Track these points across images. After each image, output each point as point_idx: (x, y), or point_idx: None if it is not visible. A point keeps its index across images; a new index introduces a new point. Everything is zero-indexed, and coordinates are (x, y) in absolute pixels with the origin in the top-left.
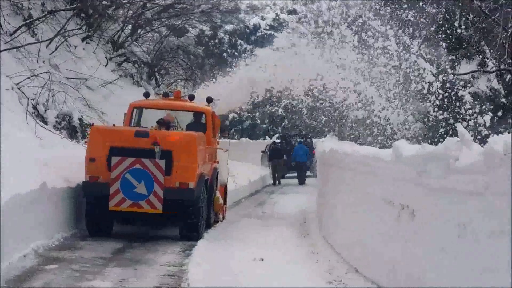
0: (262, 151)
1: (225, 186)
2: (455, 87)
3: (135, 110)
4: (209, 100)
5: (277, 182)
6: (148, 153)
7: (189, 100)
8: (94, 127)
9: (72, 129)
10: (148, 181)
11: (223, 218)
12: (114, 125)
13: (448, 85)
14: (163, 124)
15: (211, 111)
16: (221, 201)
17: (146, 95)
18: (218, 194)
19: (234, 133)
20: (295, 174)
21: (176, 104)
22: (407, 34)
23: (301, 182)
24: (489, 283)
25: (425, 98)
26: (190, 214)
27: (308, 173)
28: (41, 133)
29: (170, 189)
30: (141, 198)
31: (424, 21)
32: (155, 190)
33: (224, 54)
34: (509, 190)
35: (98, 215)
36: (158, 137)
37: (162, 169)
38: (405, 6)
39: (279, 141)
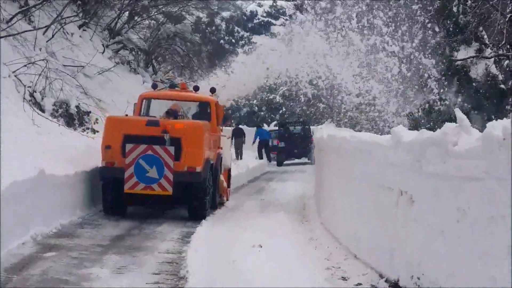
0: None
1: (229, 170)
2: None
3: (144, 100)
4: (213, 90)
5: (239, 157)
6: (159, 140)
7: (194, 91)
8: (109, 117)
9: (69, 116)
10: (159, 166)
11: (227, 199)
12: (126, 115)
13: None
14: (171, 113)
15: (215, 101)
16: (225, 184)
17: (154, 86)
18: (222, 177)
19: (232, 121)
20: (295, 161)
21: (182, 95)
22: (404, 21)
23: (261, 157)
24: (488, 268)
25: (425, 85)
26: (197, 195)
27: (306, 160)
28: (38, 121)
29: (179, 173)
30: (153, 181)
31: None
32: (165, 174)
33: (221, 41)
34: (509, 175)
35: (114, 197)
36: (167, 126)
37: (171, 154)
38: None
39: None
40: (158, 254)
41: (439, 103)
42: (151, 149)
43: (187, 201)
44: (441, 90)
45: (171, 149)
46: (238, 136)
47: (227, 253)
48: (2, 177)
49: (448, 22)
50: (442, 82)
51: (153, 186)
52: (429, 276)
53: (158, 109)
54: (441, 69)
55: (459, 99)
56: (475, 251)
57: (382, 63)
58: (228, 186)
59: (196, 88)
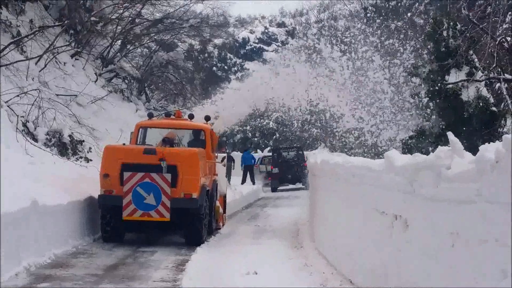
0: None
1: (224, 196)
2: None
3: (141, 129)
4: (207, 118)
5: (229, 182)
6: (156, 168)
7: (189, 119)
8: (107, 146)
9: (62, 146)
10: (156, 193)
11: (223, 225)
12: (124, 144)
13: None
14: (168, 141)
15: (209, 128)
16: (221, 210)
17: (150, 115)
18: (218, 203)
19: (226, 147)
20: (289, 187)
21: (177, 123)
22: (395, 44)
23: (253, 182)
24: None
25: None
26: (194, 221)
27: (301, 185)
28: (32, 151)
29: (176, 199)
30: (151, 208)
31: (412, 32)
32: (163, 200)
33: (214, 68)
34: (501, 198)
35: (112, 224)
36: (164, 154)
37: (168, 182)
38: (394, 17)
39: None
40: (153, 282)
41: (430, 127)
42: (149, 177)
43: (184, 227)
44: (432, 115)
45: (168, 177)
46: (228, 161)
47: (222, 281)
48: None
49: (439, 46)
50: (433, 106)
51: (151, 213)
52: None
53: (154, 137)
54: (432, 92)
55: (451, 123)
56: (469, 274)
57: (372, 87)
58: (224, 212)
59: (191, 116)
